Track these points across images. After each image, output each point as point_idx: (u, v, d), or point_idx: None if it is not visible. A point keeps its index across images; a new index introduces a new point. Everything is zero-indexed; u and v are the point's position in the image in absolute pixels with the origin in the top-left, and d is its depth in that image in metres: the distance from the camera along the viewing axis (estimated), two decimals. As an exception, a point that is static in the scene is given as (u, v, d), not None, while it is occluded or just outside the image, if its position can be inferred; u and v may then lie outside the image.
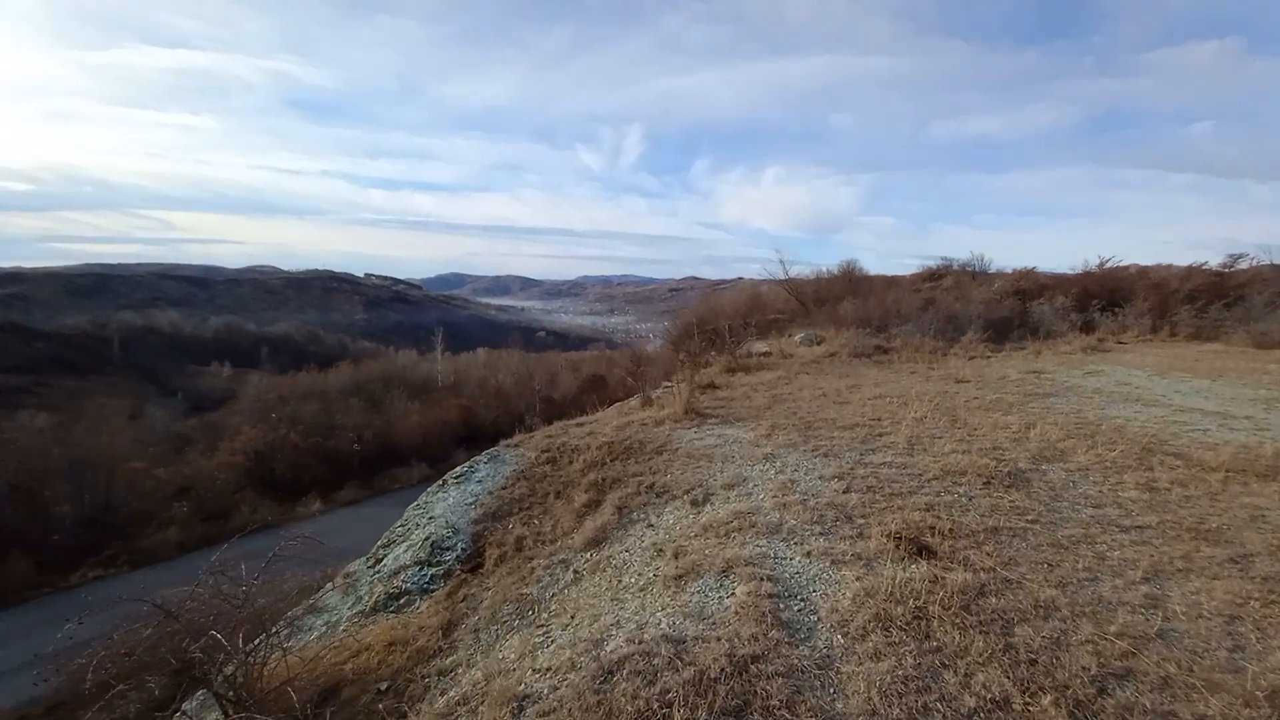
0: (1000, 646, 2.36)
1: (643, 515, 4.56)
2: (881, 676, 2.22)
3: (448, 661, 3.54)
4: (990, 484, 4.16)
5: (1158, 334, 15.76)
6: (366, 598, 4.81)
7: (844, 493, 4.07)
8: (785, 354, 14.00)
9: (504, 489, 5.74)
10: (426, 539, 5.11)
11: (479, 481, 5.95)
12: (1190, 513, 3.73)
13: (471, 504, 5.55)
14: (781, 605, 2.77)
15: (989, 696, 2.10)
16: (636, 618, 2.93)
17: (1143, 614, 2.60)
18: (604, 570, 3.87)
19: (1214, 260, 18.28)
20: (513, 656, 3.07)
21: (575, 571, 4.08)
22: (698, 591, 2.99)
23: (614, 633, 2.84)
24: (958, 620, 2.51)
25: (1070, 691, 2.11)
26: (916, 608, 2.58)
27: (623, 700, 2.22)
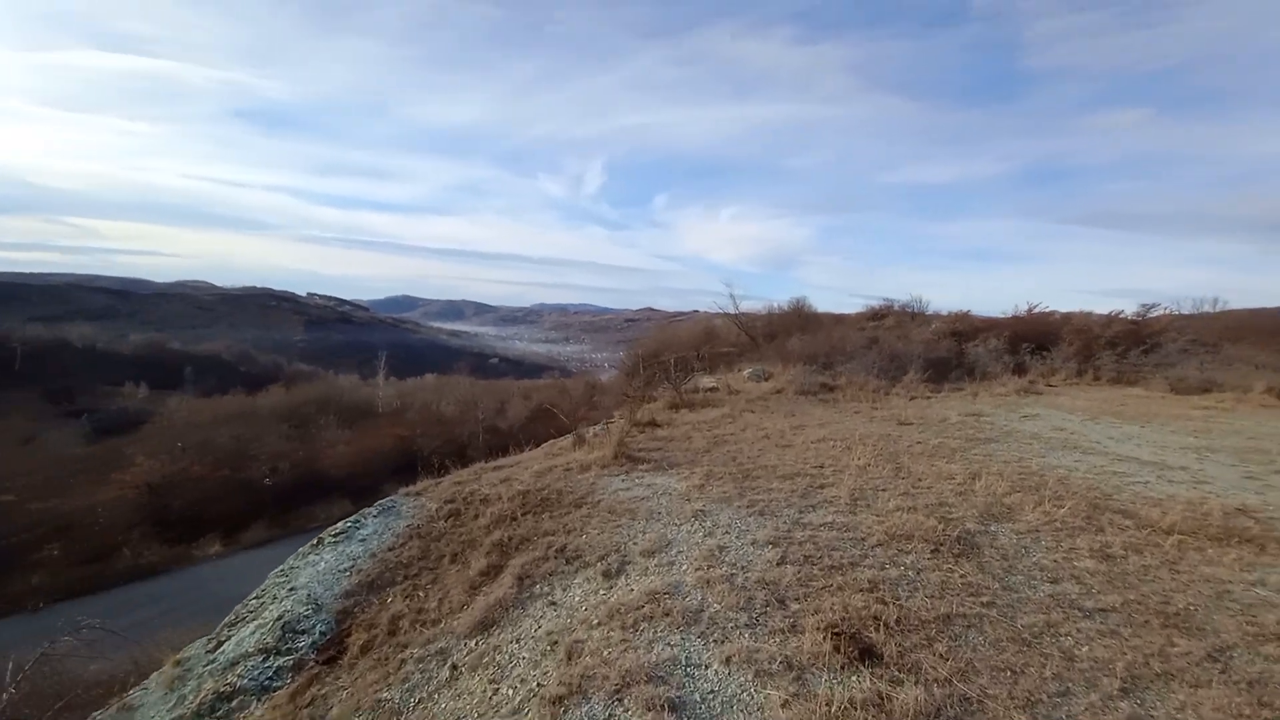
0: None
1: (547, 588, 3.80)
2: None
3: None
4: (939, 552, 3.67)
5: (1083, 377, 16.39)
6: (192, 697, 3.79)
7: (778, 564, 3.47)
8: (732, 390, 13.62)
9: (391, 550, 4.85)
10: (278, 618, 4.15)
11: (362, 540, 5.03)
12: (1153, 589, 3.34)
13: (347, 570, 4.62)
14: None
15: None
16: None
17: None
18: (485, 668, 3.08)
19: (1129, 308, 19.38)
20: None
21: (453, 666, 3.27)
22: (580, 723, 2.29)
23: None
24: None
25: None
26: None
27: None
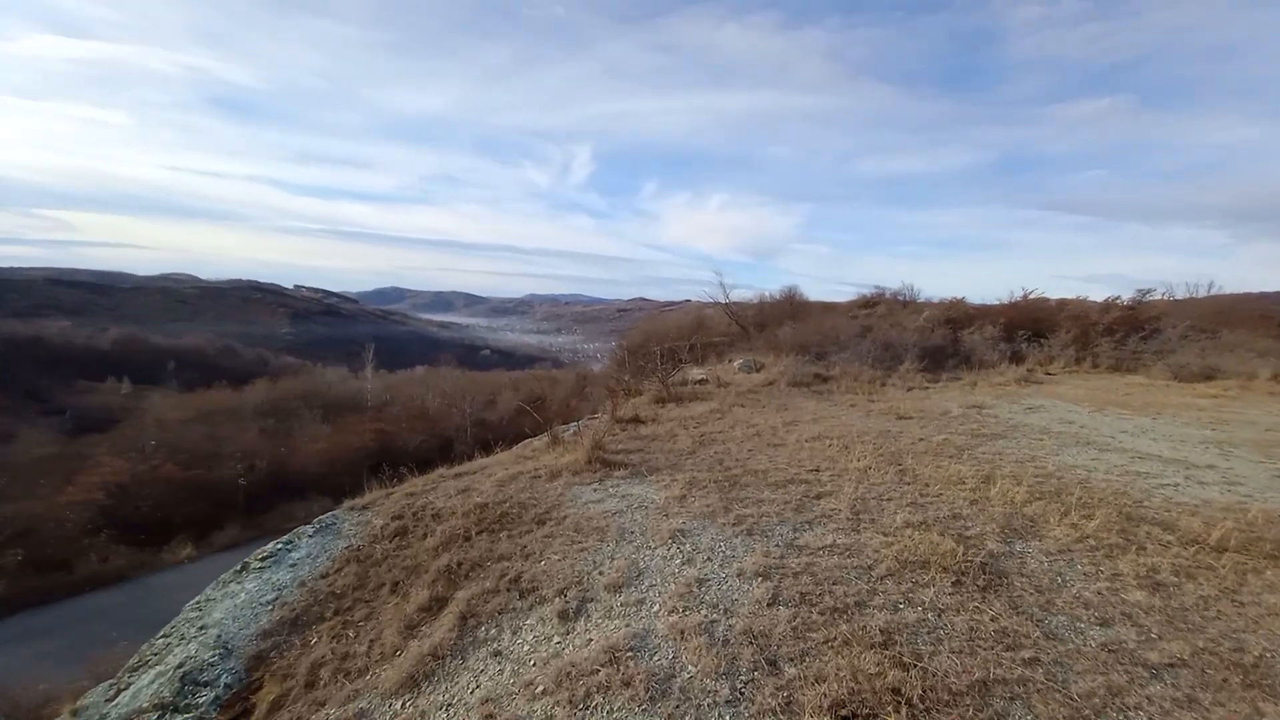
0: None
1: (494, 630, 3.17)
2: None
3: None
4: (961, 584, 3.07)
5: (1081, 365, 15.99)
6: (69, 767, 3.14)
7: (769, 604, 2.85)
8: (722, 382, 13.01)
9: (324, 577, 4.19)
10: (179, 666, 3.48)
11: (292, 566, 4.36)
12: (1221, 631, 2.76)
13: (269, 603, 3.96)
14: None
15: None
16: None
17: None
18: (404, 746, 2.46)
19: (1106, 294, 19.00)
20: None
21: (371, 737, 2.64)
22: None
23: None
24: None
25: None
26: None
27: None
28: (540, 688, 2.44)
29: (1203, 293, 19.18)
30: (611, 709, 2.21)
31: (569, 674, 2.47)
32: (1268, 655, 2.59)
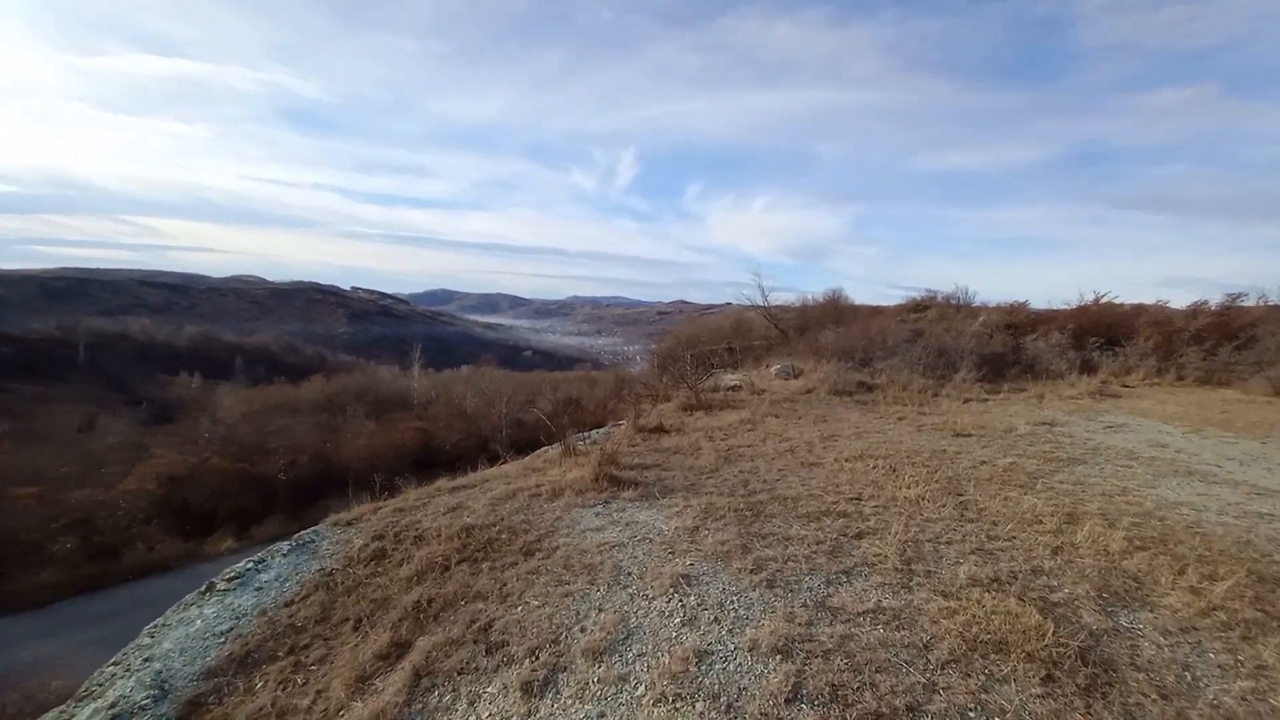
0: None
1: (446, 698, 2.60)
2: None
3: None
4: (1054, 679, 2.29)
5: (1164, 376, 14.31)
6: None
7: (788, 699, 2.16)
8: (757, 389, 12.18)
9: (288, 606, 3.74)
10: (112, 706, 3.08)
11: (258, 590, 3.94)
12: None
13: (224, 634, 3.53)
14: None
15: None
16: None
17: None
18: None
19: (1188, 298, 17.08)
20: None
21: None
22: None
23: None
24: None
25: None
26: None
27: None
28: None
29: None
30: None
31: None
32: None
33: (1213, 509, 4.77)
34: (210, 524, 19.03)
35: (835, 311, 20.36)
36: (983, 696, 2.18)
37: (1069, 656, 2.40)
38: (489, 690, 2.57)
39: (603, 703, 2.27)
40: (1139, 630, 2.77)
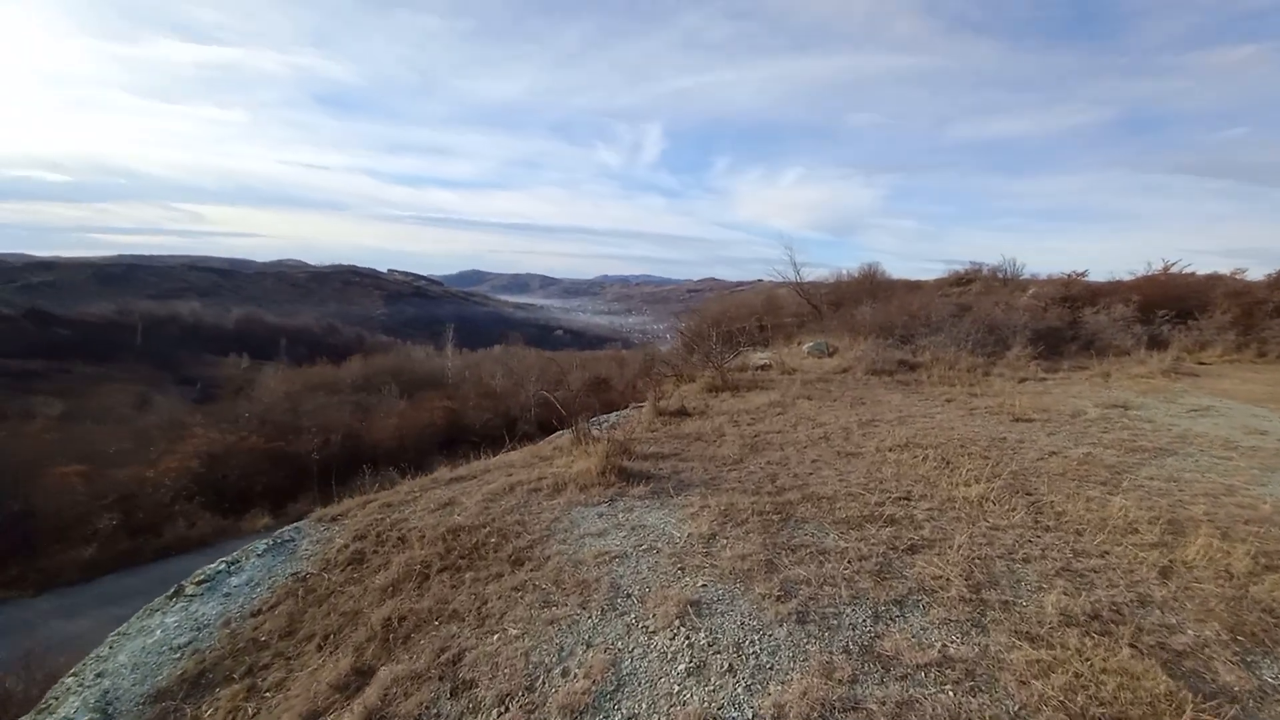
0: None
1: (400, 752, 2.11)
2: None
3: None
4: (1207, 783, 1.63)
5: (1244, 352, 12.91)
6: None
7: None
8: (788, 368, 11.41)
9: (255, 615, 3.34)
10: (46, 734, 2.73)
11: (226, 595, 3.55)
12: None
13: (182, 648, 3.15)
14: None
15: None
16: None
17: None
18: None
19: (1261, 270, 15.36)
20: None
21: None
22: None
23: None
24: None
25: None
26: None
27: None
28: None
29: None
30: None
31: None
32: None
33: (1350, 515, 3.91)
34: (247, 501, 19.49)
35: (871, 286, 19.23)
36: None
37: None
38: (446, 749, 2.06)
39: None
40: (1304, 699, 2.05)
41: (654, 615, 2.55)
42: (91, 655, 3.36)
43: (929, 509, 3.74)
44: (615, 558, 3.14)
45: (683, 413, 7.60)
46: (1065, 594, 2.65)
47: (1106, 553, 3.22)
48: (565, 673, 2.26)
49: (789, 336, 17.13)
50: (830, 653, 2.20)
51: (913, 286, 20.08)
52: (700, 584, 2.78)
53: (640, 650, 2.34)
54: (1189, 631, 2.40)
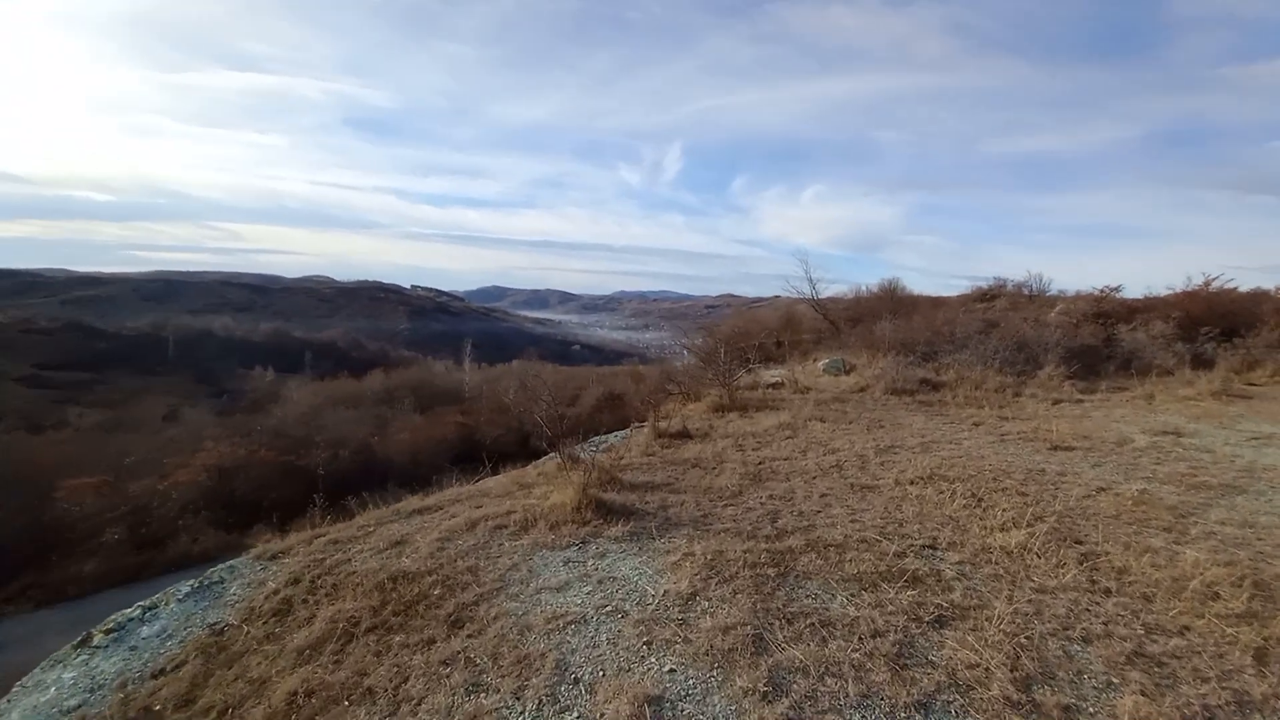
0: None
1: None
2: None
3: None
4: None
5: (1296, 373, 11.85)
6: None
7: None
8: (801, 386, 10.75)
9: (157, 676, 2.84)
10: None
11: (132, 649, 3.07)
12: None
13: (71, 712, 2.67)
14: None
15: None
16: None
17: None
18: None
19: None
20: None
21: None
22: None
23: None
24: None
25: None
26: None
27: None
28: None
29: None
30: None
31: None
32: None
33: None
34: (254, 515, 19.32)
35: (892, 302, 18.48)
36: None
37: None
38: None
39: None
40: None
41: (602, 715, 1.98)
42: (-23, 716, 2.90)
43: (959, 562, 3.11)
44: (571, 623, 2.58)
45: (684, 435, 7.03)
46: (1144, 693, 2.02)
47: (1186, 628, 2.56)
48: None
49: (805, 353, 16.45)
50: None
51: (936, 302, 19.33)
52: (667, 669, 2.20)
53: (574, 770, 1.78)
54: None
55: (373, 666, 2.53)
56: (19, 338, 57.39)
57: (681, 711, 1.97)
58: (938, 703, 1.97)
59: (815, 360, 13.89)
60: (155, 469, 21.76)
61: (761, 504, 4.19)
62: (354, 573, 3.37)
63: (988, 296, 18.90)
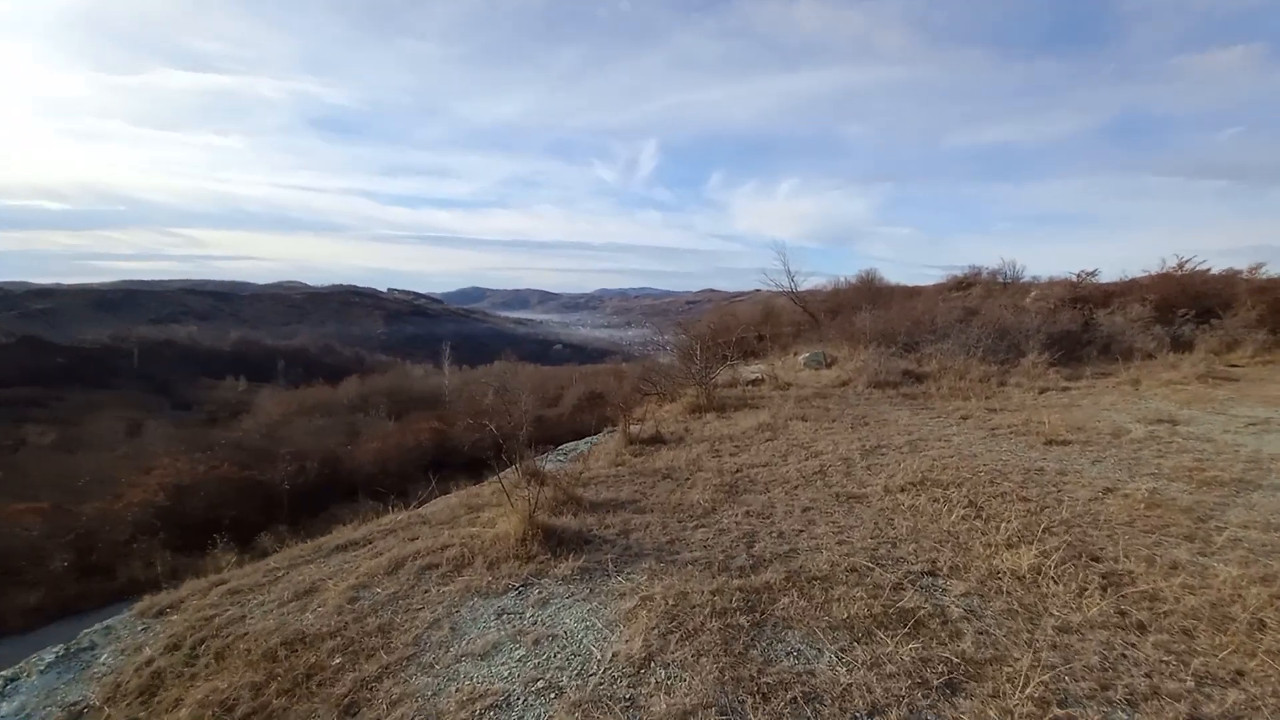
0: None
1: None
2: None
3: None
4: None
5: (1275, 353, 11.81)
6: None
7: None
8: (781, 382, 10.32)
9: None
10: None
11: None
12: None
13: None
14: None
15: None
16: None
17: None
18: None
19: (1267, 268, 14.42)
20: None
21: None
22: None
23: None
24: None
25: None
26: None
27: None
28: None
29: None
30: None
31: None
32: None
33: None
34: (212, 535, 18.33)
35: (870, 293, 18.24)
36: None
37: None
38: None
39: None
40: None
41: None
42: None
43: (964, 594, 2.64)
44: (491, 707, 2.03)
45: (657, 440, 6.51)
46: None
47: (1240, 674, 2.12)
48: None
49: (785, 346, 16.07)
50: None
51: (912, 292, 19.18)
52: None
53: None
54: None
55: (234, 777, 1.96)
56: (-32, 355, 54.61)
57: None
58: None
59: (796, 354, 13.50)
60: (110, 489, 20.56)
61: (737, 524, 3.69)
62: (245, 635, 2.77)
63: (963, 285, 18.79)
